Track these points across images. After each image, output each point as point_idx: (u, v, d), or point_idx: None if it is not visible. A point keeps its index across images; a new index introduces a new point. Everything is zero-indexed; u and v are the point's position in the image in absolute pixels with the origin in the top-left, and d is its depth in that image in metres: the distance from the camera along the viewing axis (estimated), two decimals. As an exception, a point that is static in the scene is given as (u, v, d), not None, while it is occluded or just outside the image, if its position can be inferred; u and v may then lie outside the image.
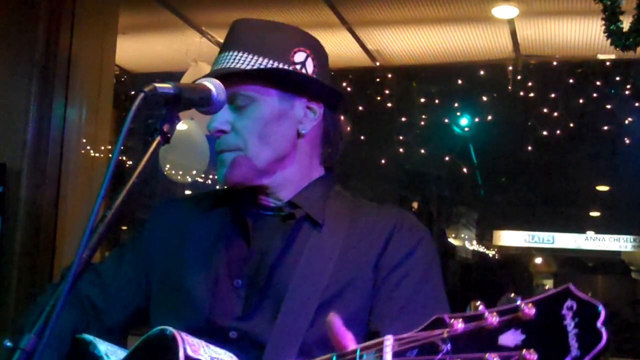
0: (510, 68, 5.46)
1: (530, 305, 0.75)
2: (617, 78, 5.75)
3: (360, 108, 6.35)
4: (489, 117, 6.61)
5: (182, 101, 1.09)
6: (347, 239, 1.32)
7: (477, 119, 6.76)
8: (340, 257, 1.30)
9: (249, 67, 1.30)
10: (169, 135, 1.07)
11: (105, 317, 1.41)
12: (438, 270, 1.35)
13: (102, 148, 3.44)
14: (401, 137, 7.42)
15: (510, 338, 0.75)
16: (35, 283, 2.99)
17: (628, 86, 5.75)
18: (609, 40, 3.22)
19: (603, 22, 3.23)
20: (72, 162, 3.20)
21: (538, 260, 15.61)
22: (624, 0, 3.21)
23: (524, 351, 0.74)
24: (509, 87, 5.65)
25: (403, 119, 7.13)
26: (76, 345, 1.26)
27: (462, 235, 14.74)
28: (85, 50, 3.26)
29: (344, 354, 0.94)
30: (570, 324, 0.73)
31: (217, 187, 1.78)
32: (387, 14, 4.48)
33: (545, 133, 6.49)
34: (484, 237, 15.34)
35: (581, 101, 6.19)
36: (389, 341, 0.85)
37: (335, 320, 0.99)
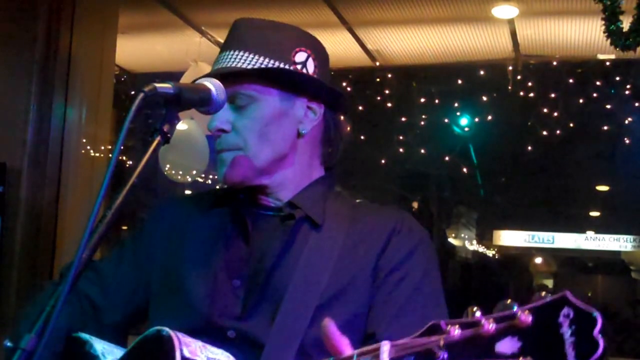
0: (510, 68, 5.46)
1: (527, 312, 0.74)
2: (617, 78, 5.75)
3: (360, 108, 6.34)
4: (489, 117, 6.61)
5: (182, 101, 1.09)
6: (346, 240, 1.32)
7: (477, 119, 6.76)
8: (339, 258, 1.30)
9: (249, 67, 1.30)
10: (168, 135, 1.07)
11: (103, 316, 1.41)
12: (436, 272, 1.35)
13: (102, 148, 3.44)
14: (401, 137, 7.43)
15: (507, 345, 0.75)
16: (35, 283, 2.99)
17: (628, 86, 5.75)
18: (609, 40, 3.22)
19: (603, 22, 3.22)
20: (72, 162, 3.20)
21: (538, 260, 15.61)
22: (623, 0, 3.21)
23: (520, 359, 0.74)
24: (509, 87, 5.65)
25: (403, 119, 7.13)
26: (72, 344, 1.25)
27: (462, 235, 14.74)
28: (85, 50, 3.26)
29: None
30: (566, 332, 0.73)
31: (217, 187, 1.78)
32: (387, 14, 4.48)
33: (545, 133, 6.49)
34: (484, 237, 15.34)
35: (581, 101, 6.19)
36: (385, 347, 0.85)
37: (330, 325, 0.99)
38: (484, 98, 6.40)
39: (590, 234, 14.97)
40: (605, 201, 12.31)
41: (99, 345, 1.24)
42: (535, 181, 10.73)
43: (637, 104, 5.97)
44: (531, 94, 5.88)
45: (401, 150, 7.57)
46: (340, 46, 5.01)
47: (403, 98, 6.64)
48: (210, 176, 6.48)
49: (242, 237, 1.34)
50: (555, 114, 6.20)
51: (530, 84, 5.74)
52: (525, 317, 0.74)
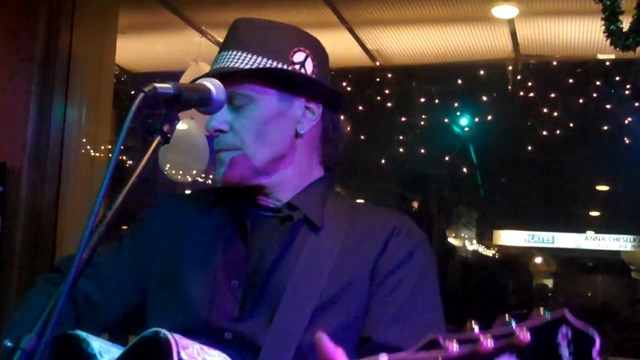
0: (510, 68, 5.46)
1: (525, 330, 0.74)
2: (617, 78, 5.74)
3: (360, 108, 6.34)
4: (489, 117, 6.61)
5: (182, 101, 1.09)
6: (345, 241, 1.32)
7: (477, 119, 6.76)
8: (337, 260, 1.29)
9: (247, 67, 1.30)
10: (168, 135, 1.07)
11: (100, 312, 1.40)
12: (434, 276, 1.35)
13: (102, 148, 3.44)
14: (401, 137, 7.43)
15: None
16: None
17: (628, 86, 5.74)
18: (609, 40, 3.22)
19: (603, 22, 3.22)
20: (72, 161, 3.20)
21: (538, 259, 15.61)
22: (623, 0, 3.21)
23: None
24: (509, 87, 5.65)
25: (403, 119, 7.13)
26: (69, 341, 1.24)
27: (462, 235, 14.75)
28: (85, 49, 3.26)
29: None
30: (565, 352, 0.73)
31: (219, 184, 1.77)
32: (387, 14, 4.48)
33: (545, 133, 6.49)
34: (484, 237, 15.36)
35: (581, 101, 6.19)
36: (383, 359, 0.85)
37: (323, 338, 0.98)
38: (484, 98, 6.40)
39: (590, 233, 14.99)
40: (605, 201, 12.33)
41: (96, 344, 1.23)
42: (535, 181, 10.73)
43: (637, 104, 5.96)
44: (531, 94, 5.88)
45: (401, 150, 7.57)
46: (340, 46, 5.01)
47: (403, 98, 6.64)
48: (211, 176, 6.48)
49: (241, 238, 1.33)
50: (555, 114, 6.20)
51: (530, 84, 5.73)
52: (524, 336, 0.73)
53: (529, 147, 7.07)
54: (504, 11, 4.31)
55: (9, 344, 0.87)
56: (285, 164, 1.35)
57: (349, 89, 5.98)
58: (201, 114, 1.21)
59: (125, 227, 1.53)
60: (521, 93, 5.82)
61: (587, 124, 6.90)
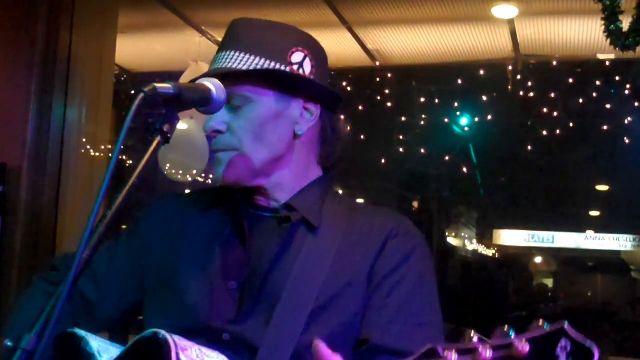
0: (510, 68, 5.46)
1: (524, 341, 0.74)
2: (617, 78, 5.74)
3: (360, 108, 6.34)
4: (489, 117, 6.61)
5: (182, 101, 1.09)
6: (343, 243, 1.31)
7: (477, 119, 6.76)
8: (335, 261, 1.29)
9: (245, 68, 1.29)
10: (168, 135, 1.07)
11: (96, 311, 1.40)
12: (432, 277, 1.34)
13: (102, 148, 3.44)
14: (401, 137, 7.43)
15: None
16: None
17: (628, 86, 5.75)
18: (609, 40, 3.22)
19: (603, 22, 3.22)
20: (72, 161, 3.20)
21: (538, 259, 15.63)
22: (623, 0, 3.21)
23: None
24: (509, 87, 5.65)
25: (403, 119, 7.13)
26: (68, 340, 1.23)
27: (462, 235, 14.76)
28: (85, 49, 3.26)
29: None
30: None
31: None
32: (387, 14, 4.48)
33: (545, 133, 6.49)
34: (484, 237, 15.36)
35: (581, 101, 6.19)
36: None
37: (320, 345, 0.98)
38: (484, 98, 6.40)
39: (590, 233, 15.00)
40: (605, 201, 12.34)
41: (95, 343, 1.22)
42: (535, 181, 10.74)
43: (637, 104, 5.96)
44: (531, 94, 5.88)
45: (401, 150, 7.56)
46: (340, 46, 5.01)
47: (403, 98, 6.64)
48: (211, 176, 6.47)
49: (239, 239, 1.33)
50: (555, 113, 6.20)
51: (530, 83, 5.74)
52: (523, 347, 0.73)
53: (529, 147, 7.07)
54: (504, 11, 4.31)
55: (9, 344, 0.87)
56: (283, 165, 1.34)
57: (349, 89, 5.98)
58: (201, 114, 1.21)
59: (125, 227, 1.53)
60: (521, 93, 5.82)
61: (587, 124, 6.90)
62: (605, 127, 6.70)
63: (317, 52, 1.38)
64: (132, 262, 1.42)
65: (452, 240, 14.20)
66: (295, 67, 1.32)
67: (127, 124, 0.98)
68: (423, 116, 7.10)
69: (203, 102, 1.15)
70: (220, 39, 1.40)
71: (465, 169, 9.08)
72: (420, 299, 1.28)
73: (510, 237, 15.62)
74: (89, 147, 3.36)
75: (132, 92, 5.53)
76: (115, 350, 1.23)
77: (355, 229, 1.34)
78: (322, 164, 1.43)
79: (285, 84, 1.32)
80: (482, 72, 5.63)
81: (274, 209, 1.35)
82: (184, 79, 3.89)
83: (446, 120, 6.98)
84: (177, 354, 1.03)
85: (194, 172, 5.09)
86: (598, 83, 5.93)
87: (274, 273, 1.29)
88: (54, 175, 3.10)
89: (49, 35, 3.08)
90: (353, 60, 5.35)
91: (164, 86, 1.06)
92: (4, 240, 2.91)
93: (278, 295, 1.25)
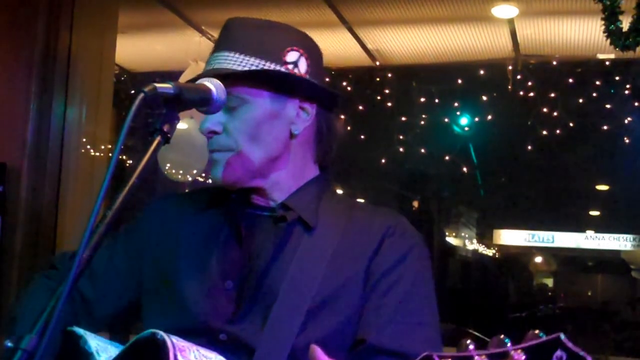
0: (510, 68, 5.46)
1: (519, 351, 0.74)
2: (617, 78, 5.75)
3: (360, 108, 6.34)
4: (489, 117, 6.61)
5: (182, 101, 1.09)
6: (339, 242, 1.31)
7: (477, 119, 6.75)
8: (332, 260, 1.28)
9: (239, 68, 1.29)
10: (169, 135, 1.07)
11: (94, 309, 1.40)
12: (429, 277, 1.34)
13: (102, 147, 3.44)
14: (401, 137, 7.42)
15: None
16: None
17: (628, 86, 5.75)
18: (609, 40, 3.22)
19: (602, 22, 3.22)
20: (72, 161, 3.20)
21: (538, 259, 15.62)
22: (623, 0, 3.21)
23: None
24: (509, 87, 5.65)
25: (403, 119, 7.13)
26: (67, 338, 1.23)
27: (462, 235, 14.76)
28: (85, 49, 3.26)
29: None
30: None
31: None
32: (387, 14, 4.48)
33: (545, 133, 6.49)
34: (484, 236, 15.36)
35: (581, 101, 6.19)
36: None
37: (316, 350, 0.98)
38: (484, 98, 6.40)
39: (590, 233, 15.00)
40: (605, 201, 12.34)
41: (93, 342, 1.22)
42: (535, 181, 10.74)
43: (637, 104, 5.96)
44: (531, 94, 5.88)
45: (401, 150, 7.56)
46: (340, 46, 5.01)
47: (403, 98, 6.63)
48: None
49: (236, 239, 1.33)
50: (555, 113, 6.20)
51: (530, 83, 5.74)
52: (518, 357, 0.74)
53: (529, 147, 7.06)
54: (504, 11, 4.32)
55: (9, 344, 0.87)
56: (280, 165, 1.34)
57: (349, 88, 5.97)
58: (201, 114, 1.21)
59: (123, 226, 1.53)
60: (521, 93, 5.82)
61: (587, 124, 6.89)
62: (605, 127, 6.69)
63: (312, 51, 1.37)
64: (130, 260, 1.42)
65: (452, 240, 14.20)
66: (290, 67, 1.32)
67: (127, 123, 0.98)
68: (423, 116, 7.09)
69: (203, 102, 1.15)
70: (220, 39, 1.40)
71: (465, 169, 9.07)
72: (417, 298, 1.28)
73: (510, 237, 15.62)
74: (89, 146, 3.36)
75: (132, 92, 5.53)
76: (114, 349, 1.22)
77: (352, 228, 1.33)
78: (318, 163, 1.42)
79: (281, 84, 1.32)
80: (482, 72, 5.63)
81: (270, 208, 1.35)
82: (184, 79, 3.88)
83: (446, 120, 6.97)
84: (175, 356, 1.03)
85: (194, 172, 5.09)
86: (598, 83, 5.93)
87: (270, 273, 1.28)
88: (54, 175, 3.10)
89: (48, 35, 3.08)
90: (353, 60, 5.36)
91: (164, 86, 1.06)
92: (4, 240, 2.91)
93: (274, 295, 1.25)
